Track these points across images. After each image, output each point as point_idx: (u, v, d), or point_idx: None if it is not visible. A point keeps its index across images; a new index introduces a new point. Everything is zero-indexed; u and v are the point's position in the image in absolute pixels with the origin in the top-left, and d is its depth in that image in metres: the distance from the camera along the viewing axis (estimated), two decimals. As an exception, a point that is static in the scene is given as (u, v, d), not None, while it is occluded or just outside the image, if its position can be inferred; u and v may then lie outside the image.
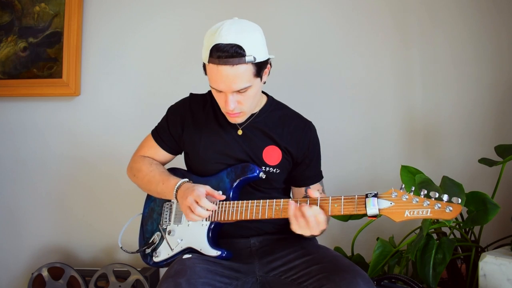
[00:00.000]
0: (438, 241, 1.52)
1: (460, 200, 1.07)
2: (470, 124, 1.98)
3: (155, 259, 1.44)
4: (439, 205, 1.07)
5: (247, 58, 1.24)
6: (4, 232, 2.28)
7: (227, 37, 1.23)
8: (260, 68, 1.29)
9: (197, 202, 1.30)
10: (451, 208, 1.06)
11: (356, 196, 1.17)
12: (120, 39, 2.23)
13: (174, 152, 1.56)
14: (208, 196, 1.34)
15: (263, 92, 1.48)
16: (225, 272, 1.30)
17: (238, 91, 1.28)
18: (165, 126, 1.52)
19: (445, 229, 1.68)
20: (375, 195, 1.15)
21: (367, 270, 1.58)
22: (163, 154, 1.54)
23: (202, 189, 1.33)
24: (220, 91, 1.30)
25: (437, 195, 1.09)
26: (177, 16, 2.20)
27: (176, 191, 1.38)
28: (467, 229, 1.66)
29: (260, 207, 1.28)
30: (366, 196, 1.15)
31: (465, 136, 1.98)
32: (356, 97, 2.07)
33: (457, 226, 1.62)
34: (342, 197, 1.19)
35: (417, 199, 1.10)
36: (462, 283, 1.64)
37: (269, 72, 1.38)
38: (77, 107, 2.25)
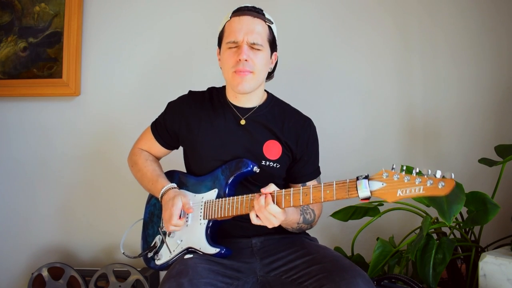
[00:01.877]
0: (438, 241, 1.52)
1: (453, 175, 1.02)
2: (470, 124, 1.98)
3: (157, 262, 1.44)
4: (431, 181, 1.03)
5: (266, 19, 1.42)
6: (4, 232, 2.28)
7: (248, 4, 1.42)
8: (273, 39, 1.44)
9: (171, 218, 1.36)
10: (443, 184, 1.02)
11: (348, 180, 1.15)
12: (120, 39, 2.23)
13: (170, 147, 1.59)
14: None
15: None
16: (227, 272, 1.30)
17: (252, 47, 1.37)
18: (162, 121, 1.55)
19: (445, 229, 1.68)
20: (366, 177, 1.12)
21: (367, 270, 1.58)
22: (158, 148, 1.59)
23: (180, 204, 1.37)
24: (235, 46, 1.38)
25: (429, 171, 1.05)
26: (177, 16, 2.20)
27: (161, 197, 1.44)
28: (467, 229, 1.66)
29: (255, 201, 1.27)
30: (357, 178, 1.13)
31: (465, 136, 1.98)
32: (356, 97, 2.07)
33: (457, 226, 1.62)
34: (334, 182, 1.17)
35: (409, 177, 1.06)
36: (462, 283, 1.64)
37: (275, 64, 1.49)
38: (77, 107, 2.25)
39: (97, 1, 2.25)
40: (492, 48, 1.97)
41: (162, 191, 1.44)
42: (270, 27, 1.42)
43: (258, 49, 1.38)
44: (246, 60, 1.36)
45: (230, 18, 1.40)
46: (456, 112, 1.99)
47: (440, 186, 1.02)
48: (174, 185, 1.46)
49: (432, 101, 2.02)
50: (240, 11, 1.40)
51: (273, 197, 1.24)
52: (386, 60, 2.05)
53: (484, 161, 1.69)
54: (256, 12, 1.40)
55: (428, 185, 1.04)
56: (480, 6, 1.98)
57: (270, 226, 1.24)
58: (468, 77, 1.98)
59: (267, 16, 1.42)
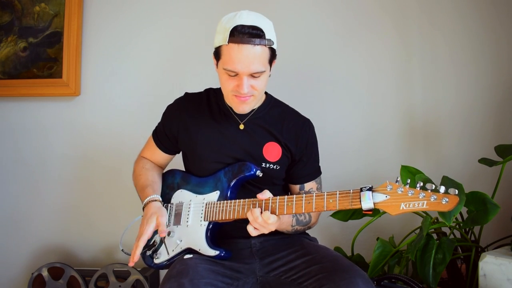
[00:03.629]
0: (438, 241, 1.52)
1: (457, 191, 1.04)
2: (470, 124, 1.98)
3: (156, 261, 1.44)
4: (435, 197, 1.05)
5: (267, 41, 1.29)
6: (4, 232, 2.28)
7: (247, 20, 1.28)
8: (273, 55, 1.34)
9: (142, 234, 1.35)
10: (447, 200, 1.03)
11: (351, 190, 1.16)
12: (120, 39, 2.23)
13: (171, 152, 1.58)
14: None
15: None
16: (227, 272, 1.31)
17: (253, 75, 1.30)
18: (161, 127, 1.55)
19: (445, 229, 1.68)
20: (370, 189, 1.13)
21: (367, 270, 1.58)
22: (160, 154, 1.58)
23: (152, 225, 1.36)
24: (235, 75, 1.31)
25: (433, 186, 1.06)
26: (177, 16, 2.20)
27: (143, 209, 1.44)
28: (467, 229, 1.66)
29: (257, 205, 1.28)
30: (361, 190, 1.13)
31: (465, 136, 1.98)
32: (356, 97, 2.07)
33: (457, 226, 1.62)
34: (337, 192, 1.18)
35: (413, 191, 1.08)
36: (462, 283, 1.64)
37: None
38: (77, 107, 2.25)
39: (97, 1, 2.25)
40: (492, 48, 1.97)
41: (144, 203, 1.44)
42: (271, 45, 1.32)
43: (259, 76, 1.31)
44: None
45: (228, 43, 1.27)
46: (456, 112, 1.99)
47: (443, 202, 1.04)
48: (156, 197, 1.44)
49: (432, 101, 2.02)
50: (239, 37, 1.26)
51: (267, 204, 1.26)
52: (386, 61, 2.05)
53: (484, 161, 1.69)
54: (256, 37, 1.27)
55: (432, 200, 1.05)
56: (479, 6, 1.98)
57: (266, 232, 1.27)
58: (468, 77, 1.98)
59: (267, 36, 1.29)
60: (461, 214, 1.64)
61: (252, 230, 1.26)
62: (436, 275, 1.46)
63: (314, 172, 1.51)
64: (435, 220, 1.62)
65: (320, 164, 1.54)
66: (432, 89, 2.02)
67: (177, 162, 1.62)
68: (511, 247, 1.55)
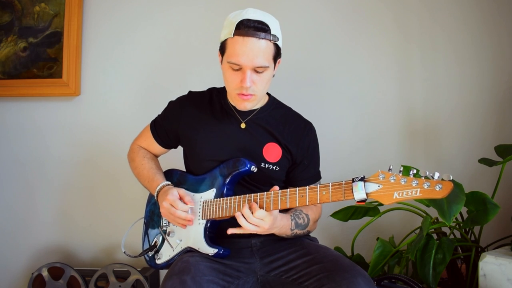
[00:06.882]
0: (438, 241, 1.52)
1: (451, 177, 1.01)
2: (470, 124, 1.98)
3: (158, 261, 1.45)
4: (428, 184, 1.01)
5: (272, 36, 1.31)
6: (4, 232, 2.28)
7: (254, 15, 1.31)
8: (277, 52, 1.36)
9: (173, 206, 1.36)
10: (441, 186, 1.00)
11: (344, 181, 1.15)
12: (120, 39, 2.23)
13: (167, 146, 1.60)
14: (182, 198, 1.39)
15: None
16: (227, 270, 1.31)
17: (256, 70, 1.31)
18: (161, 121, 1.56)
19: (445, 229, 1.68)
20: (362, 179, 1.11)
21: (367, 270, 1.58)
22: (157, 147, 1.60)
23: (176, 192, 1.38)
24: (238, 68, 1.32)
25: (427, 173, 1.03)
26: (176, 15, 2.20)
27: (157, 195, 1.44)
28: (467, 229, 1.66)
29: (252, 201, 1.27)
30: (353, 180, 1.12)
31: (465, 136, 1.98)
32: (357, 97, 2.07)
33: (457, 226, 1.62)
34: (330, 184, 1.17)
35: (405, 179, 1.05)
36: (462, 283, 1.64)
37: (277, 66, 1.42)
38: (77, 107, 2.25)
39: (97, 1, 2.25)
40: (493, 48, 1.97)
41: (157, 189, 1.44)
42: (275, 43, 1.34)
43: (262, 72, 1.32)
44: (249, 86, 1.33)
45: (233, 35, 1.29)
46: (457, 112, 1.99)
47: (437, 189, 1.01)
48: (169, 182, 1.47)
49: (432, 101, 2.02)
50: (244, 30, 1.28)
51: (261, 199, 1.26)
52: (387, 61, 2.05)
53: (484, 161, 1.69)
54: (262, 31, 1.29)
55: (425, 187, 1.02)
56: (480, 5, 1.98)
57: (260, 232, 1.26)
58: (469, 77, 1.99)
59: (272, 32, 1.31)
60: (461, 214, 1.64)
61: (250, 227, 1.25)
62: (436, 275, 1.46)
63: (314, 176, 1.51)
64: (435, 220, 1.62)
65: (321, 167, 1.54)
66: (433, 90, 2.02)
67: (175, 161, 1.62)
68: (511, 247, 1.55)
